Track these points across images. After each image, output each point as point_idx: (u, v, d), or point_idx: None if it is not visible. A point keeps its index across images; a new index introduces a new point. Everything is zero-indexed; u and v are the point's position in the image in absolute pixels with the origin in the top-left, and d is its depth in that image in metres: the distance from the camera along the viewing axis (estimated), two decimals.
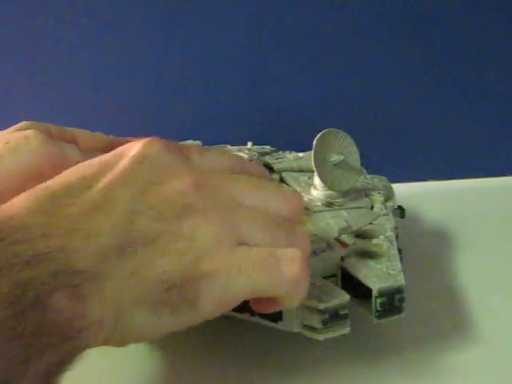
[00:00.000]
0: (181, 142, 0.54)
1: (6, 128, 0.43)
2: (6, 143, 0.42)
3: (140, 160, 0.30)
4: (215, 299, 0.28)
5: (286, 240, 0.31)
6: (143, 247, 0.27)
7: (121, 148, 0.32)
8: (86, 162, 0.31)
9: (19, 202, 0.28)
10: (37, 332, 0.23)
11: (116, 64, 0.64)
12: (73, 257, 0.25)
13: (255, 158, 0.50)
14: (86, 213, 0.27)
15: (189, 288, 0.27)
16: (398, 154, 0.66)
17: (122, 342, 0.28)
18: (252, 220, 0.30)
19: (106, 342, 0.27)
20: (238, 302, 0.29)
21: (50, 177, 0.42)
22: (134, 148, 0.31)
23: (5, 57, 0.63)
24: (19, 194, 0.41)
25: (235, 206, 0.30)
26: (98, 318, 0.25)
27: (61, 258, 0.25)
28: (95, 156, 0.46)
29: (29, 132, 0.43)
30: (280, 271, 0.29)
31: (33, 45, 0.63)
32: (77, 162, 0.44)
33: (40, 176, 0.42)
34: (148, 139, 0.32)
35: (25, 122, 0.46)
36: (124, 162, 0.30)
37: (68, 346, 0.24)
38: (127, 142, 0.51)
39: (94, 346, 0.26)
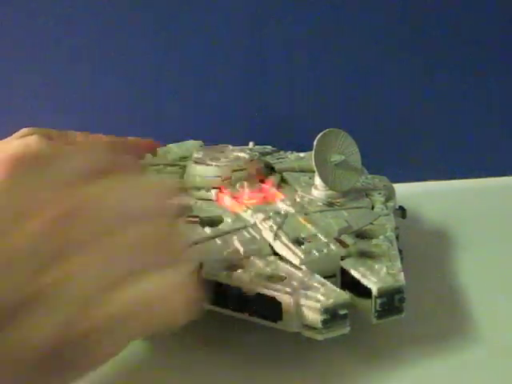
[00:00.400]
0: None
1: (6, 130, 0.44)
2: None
3: None
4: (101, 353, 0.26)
5: (162, 262, 0.27)
6: (5, 320, 0.23)
7: None
8: None
9: None
10: None
11: (116, 64, 0.64)
12: None
13: (256, 157, 0.50)
14: None
15: (67, 352, 0.24)
16: (398, 153, 0.66)
17: None
18: (116, 261, 0.26)
19: None
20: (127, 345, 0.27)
21: None
22: None
23: (5, 58, 0.63)
24: None
25: (101, 244, 0.26)
26: None
27: None
28: None
29: (30, 139, 0.43)
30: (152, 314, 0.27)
31: (33, 46, 0.63)
32: None
33: None
34: (10, 161, 0.28)
35: (25, 129, 0.46)
36: None
37: None
38: (129, 142, 0.51)
39: None
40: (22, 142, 0.43)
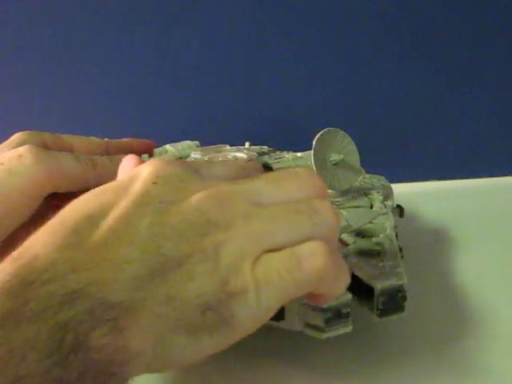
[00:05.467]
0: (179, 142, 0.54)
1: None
2: (1, 164, 0.41)
3: (153, 180, 0.29)
4: (250, 315, 0.27)
5: (310, 223, 0.30)
6: (172, 272, 0.26)
7: (134, 170, 0.31)
8: (100, 188, 0.30)
9: (39, 239, 0.26)
10: (82, 375, 0.23)
11: (115, 64, 0.64)
12: (105, 290, 0.25)
13: (254, 157, 0.49)
14: (109, 243, 0.26)
15: (223, 308, 0.27)
16: (397, 153, 0.66)
17: (162, 369, 0.27)
18: (272, 220, 0.29)
19: (146, 370, 0.26)
20: (274, 313, 0.28)
21: (49, 190, 0.43)
22: (145, 169, 0.30)
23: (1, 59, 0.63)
24: (20, 213, 0.41)
25: (253, 211, 0.29)
26: (138, 349, 0.25)
27: (94, 293, 0.24)
28: (91, 160, 0.46)
29: (22, 150, 0.42)
30: (303, 271, 0.28)
31: (31, 46, 0.63)
32: (74, 171, 0.44)
33: (40, 190, 0.42)
34: (158, 159, 0.31)
35: (18, 135, 0.46)
36: (138, 185, 0.29)
37: (112, 382, 0.24)
38: (123, 144, 0.51)
39: (135, 376, 0.25)
40: (14, 153, 0.42)
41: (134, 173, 0.30)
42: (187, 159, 0.49)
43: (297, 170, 0.33)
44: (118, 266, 0.25)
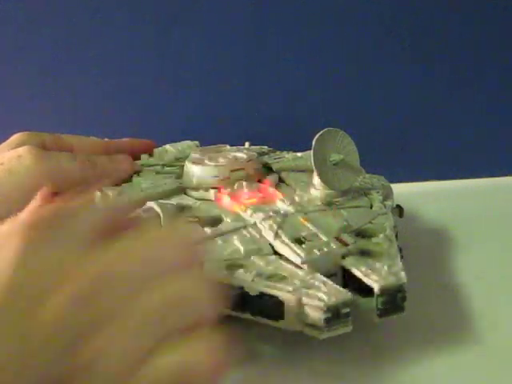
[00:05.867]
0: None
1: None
2: (1, 164, 0.42)
3: (18, 264, 0.24)
4: None
5: (191, 318, 0.26)
6: None
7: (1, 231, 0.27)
8: None
9: None
10: None
11: (115, 64, 0.64)
12: None
13: (254, 157, 0.49)
14: None
15: None
16: (397, 153, 0.66)
17: None
18: (147, 328, 0.25)
19: None
20: None
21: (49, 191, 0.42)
22: (7, 245, 0.25)
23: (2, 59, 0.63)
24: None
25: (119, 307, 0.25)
26: None
27: None
28: (91, 160, 0.46)
29: (21, 150, 0.42)
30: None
31: (30, 46, 0.63)
32: (73, 171, 0.44)
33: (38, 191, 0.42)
34: (24, 223, 0.26)
35: (17, 135, 0.46)
36: (4, 267, 0.24)
37: None
38: (123, 144, 0.51)
39: None
40: (13, 153, 0.42)
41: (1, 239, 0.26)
42: (187, 159, 0.49)
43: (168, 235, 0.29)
44: None
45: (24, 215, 0.27)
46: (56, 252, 0.25)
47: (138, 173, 0.50)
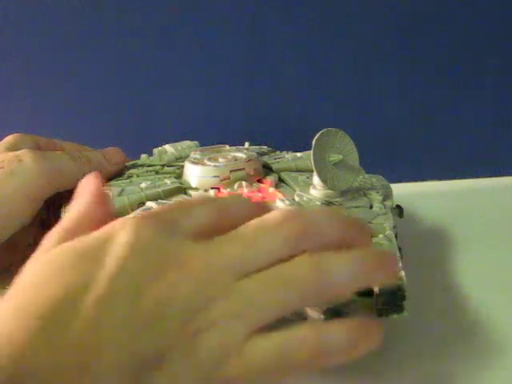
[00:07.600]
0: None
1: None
2: (1, 168, 0.42)
3: (128, 252, 0.26)
4: None
5: (301, 295, 0.27)
6: (154, 371, 0.25)
7: (105, 231, 0.28)
8: (75, 251, 0.27)
9: (11, 320, 0.25)
10: None
11: (114, 64, 0.64)
12: None
13: (254, 157, 0.49)
14: (83, 342, 0.24)
15: None
16: (397, 153, 0.66)
17: None
18: (260, 293, 0.27)
19: None
20: None
21: (50, 192, 0.43)
22: (121, 234, 0.27)
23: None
24: (22, 215, 0.42)
25: (234, 287, 0.27)
26: None
27: None
28: (85, 156, 0.46)
29: (21, 153, 0.43)
30: (294, 361, 0.26)
31: (29, 47, 0.63)
32: (71, 169, 0.44)
33: (40, 192, 0.42)
34: (135, 221, 0.28)
35: (10, 137, 0.46)
36: (114, 255, 0.26)
37: None
38: (113, 152, 0.51)
39: None
40: (13, 157, 0.43)
41: (109, 233, 0.28)
42: (187, 159, 0.49)
43: (267, 218, 0.29)
44: (96, 376, 0.24)
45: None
46: (167, 242, 0.27)
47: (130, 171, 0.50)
